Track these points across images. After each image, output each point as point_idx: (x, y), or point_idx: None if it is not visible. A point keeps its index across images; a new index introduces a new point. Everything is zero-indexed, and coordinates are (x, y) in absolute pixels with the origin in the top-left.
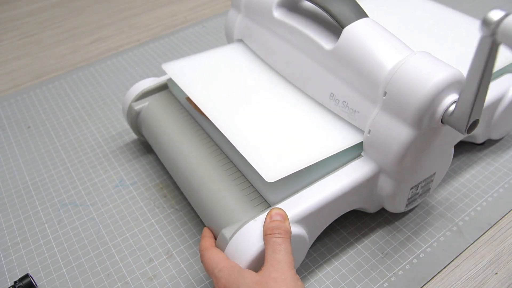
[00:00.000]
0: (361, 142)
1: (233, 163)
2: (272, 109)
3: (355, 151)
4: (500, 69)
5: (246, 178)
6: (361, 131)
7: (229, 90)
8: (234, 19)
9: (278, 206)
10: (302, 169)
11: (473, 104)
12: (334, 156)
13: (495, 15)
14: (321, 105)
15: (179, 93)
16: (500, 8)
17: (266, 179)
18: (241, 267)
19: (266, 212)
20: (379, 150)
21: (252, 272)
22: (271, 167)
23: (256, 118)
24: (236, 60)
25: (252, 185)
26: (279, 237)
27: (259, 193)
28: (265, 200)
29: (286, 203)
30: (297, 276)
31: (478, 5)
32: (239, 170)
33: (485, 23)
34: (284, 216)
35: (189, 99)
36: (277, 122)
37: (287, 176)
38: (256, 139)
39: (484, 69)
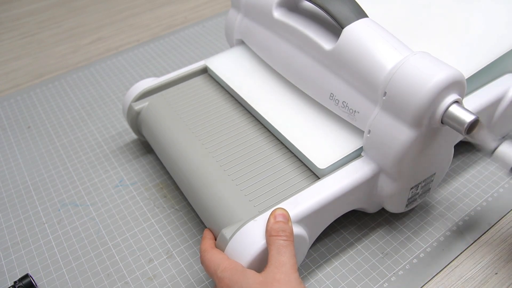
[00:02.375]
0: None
1: (237, 164)
2: (296, 104)
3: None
4: (499, 58)
5: (202, 200)
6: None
7: (263, 85)
8: (234, 19)
9: (280, 204)
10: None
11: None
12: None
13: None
14: (319, 104)
15: (223, 83)
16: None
17: (319, 166)
18: (244, 267)
19: (266, 212)
20: (379, 150)
21: (255, 272)
22: (321, 155)
23: (291, 112)
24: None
25: (299, 159)
26: (284, 240)
27: (307, 166)
28: (313, 173)
29: (286, 203)
30: (300, 279)
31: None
32: (240, 169)
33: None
34: (287, 218)
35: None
36: (308, 116)
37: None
38: (301, 130)
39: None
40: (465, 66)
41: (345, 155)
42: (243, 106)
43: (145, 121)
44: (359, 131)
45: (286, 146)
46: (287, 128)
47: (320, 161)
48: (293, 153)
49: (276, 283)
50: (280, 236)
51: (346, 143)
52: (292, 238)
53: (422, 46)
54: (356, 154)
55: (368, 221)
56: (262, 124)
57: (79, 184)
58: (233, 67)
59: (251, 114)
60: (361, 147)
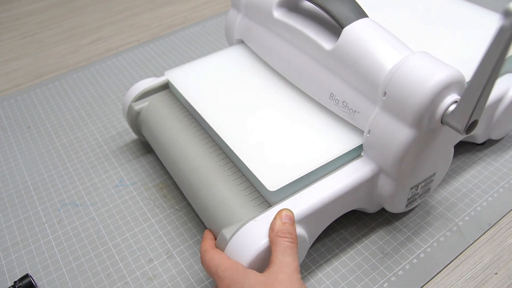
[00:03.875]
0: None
1: (236, 166)
2: (274, 112)
3: (355, 152)
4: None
5: (247, 179)
6: (361, 133)
7: (230, 95)
8: (234, 19)
9: (280, 204)
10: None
11: (477, 102)
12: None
13: None
14: (321, 106)
15: (181, 97)
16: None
17: (268, 188)
18: (244, 267)
19: (266, 212)
20: (379, 150)
21: (256, 272)
22: (272, 175)
23: (257, 124)
24: (238, 63)
25: (253, 185)
26: (290, 242)
27: (260, 193)
28: (266, 200)
29: (286, 203)
30: (302, 281)
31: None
32: (239, 170)
33: (507, 13)
34: (293, 220)
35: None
36: (278, 127)
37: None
38: (257, 146)
39: (498, 61)
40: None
41: (297, 177)
42: (244, 112)
43: (145, 121)
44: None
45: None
46: (240, 146)
47: (270, 183)
48: None
49: (278, 283)
50: (286, 237)
51: (303, 164)
52: (297, 241)
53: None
54: (309, 179)
55: (368, 221)
56: None
57: (79, 184)
58: (195, 80)
59: (251, 119)
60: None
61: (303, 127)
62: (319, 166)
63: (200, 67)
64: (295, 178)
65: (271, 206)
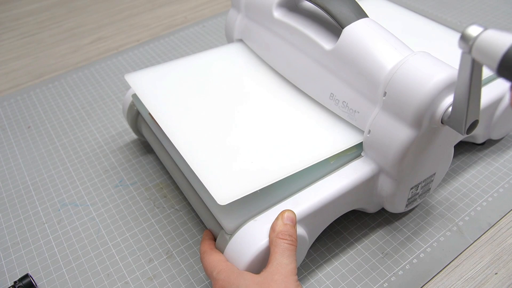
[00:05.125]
0: (360, 143)
1: (190, 184)
2: (258, 114)
3: (355, 152)
4: None
5: (202, 201)
6: (359, 132)
7: (201, 103)
8: (234, 19)
9: (281, 204)
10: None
11: (467, 108)
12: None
13: (473, 30)
14: (318, 105)
15: (143, 109)
16: (500, 9)
17: (218, 202)
18: (241, 268)
19: (266, 212)
20: (379, 150)
21: (252, 273)
22: (224, 188)
23: (226, 133)
24: (233, 62)
25: (208, 209)
26: (290, 244)
27: (216, 219)
28: (221, 227)
29: (286, 203)
30: (299, 283)
31: (478, 4)
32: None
33: (463, 39)
34: (294, 221)
35: (151, 115)
36: (256, 132)
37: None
38: (215, 157)
39: (470, 83)
40: None
41: (252, 191)
42: (218, 118)
43: (145, 121)
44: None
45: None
46: (192, 154)
47: (220, 196)
48: None
49: (274, 283)
50: (287, 239)
51: (254, 178)
52: (296, 243)
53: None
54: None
55: (368, 221)
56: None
57: (79, 184)
58: (157, 86)
59: (252, 104)
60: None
61: (288, 128)
62: (280, 178)
63: (171, 70)
64: (250, 192)
65: (227, 233)
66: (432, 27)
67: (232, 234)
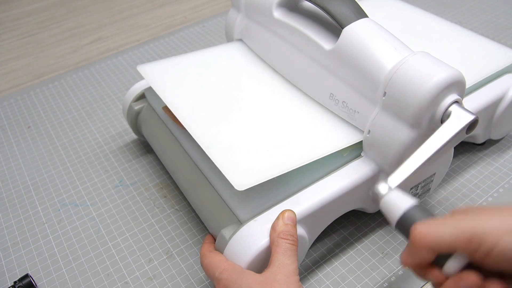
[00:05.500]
0: (360, 142)
1: (205, 177)
2: (261, 112)
3: (355, 152)
4: (500, 70)
5: (217, 193)
6: (354, 131)
7: (213, 95)
8: (234, 19)
9: (281, 204)
10: (275, 180)
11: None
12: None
13: (382, 189)
14: (319, 104)
15: (156, 103)
16: (483, 32)
17: (236, 187)
18: (242, 268)
19: (266, 212)
20: (379, 150)
21: (254, 273)
22: (242, 175)
23: (239, 124)
24: (232, 61)
25: (223, 199)
26: (291, 244)
27: (230, 209)
28: (236, 217)
29: (286, 203)
30: (300, 283)
31: (478, 4)
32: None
33: (375, 192)
34: (295, 221)
35: (166, 109)
36: (262, 127)
37: (262, 189)
38: (231, 145)
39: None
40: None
41: (270, 177)
42: (228, 110)
43: (145, 121)
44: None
45: None
46: (210, 144)
47: (238, 182)
48: None
49: (276, 283)
50: (288, 239)
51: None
52: (297, 243)
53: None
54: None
55: (368, 221)
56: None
57: (79, 184)
58: (172, 77)
59: (247, 108)
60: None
61: (294, 125)
62: (296, 167)
63: (181, 63)
64: (267, 178)
65: (241, 223)
66: (440, 24)
67: (244, 223)
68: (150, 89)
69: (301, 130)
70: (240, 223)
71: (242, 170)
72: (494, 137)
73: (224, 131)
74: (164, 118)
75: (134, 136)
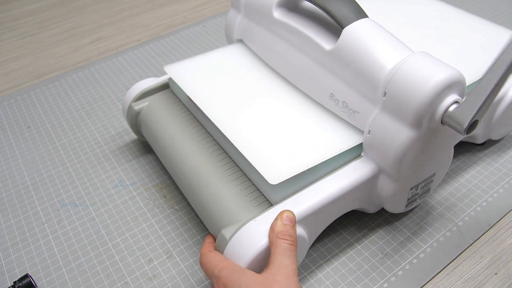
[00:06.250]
0: (361, 143)
1: (234, 162)
2: (274, 110)
3: (355, 152)
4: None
5: (248, 177)
6: (362, 131)
7: (231, 91)
8: (234, 19)
9: (281, 204)
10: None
11: (483, 103)
12: (335, 156)
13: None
14: (321, 105)
15: (181, 93)
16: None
17: (270, 182)
18: (242, 267)
19: (266, 212)
20: (379, 150)
21: (254, 273)
22: (274, 170)
23: (258, 120)
24: (237, 61)
25: (254, 184)
26: (290, 244)
27: (261, 192)
28: (267, 199)
29: (286, 203)
30: (300, 284)
31: (478, 4)
32: (240, 170)
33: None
34: (294, 221)
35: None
36: (278, 123)
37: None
38: (258, 141)
39: (508, 68)
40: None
41: (299, 171)
42: (244, 108)
43: (145, 121)
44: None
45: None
46: (242, 140)
47: (272, 177)
48: None
49: (276, 284)
50: (287, 239)
51: (307, 157)
52: (296, 243)
53: (423, 45)
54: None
55: (368, 222)
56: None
57: (79, 184)
58: (196, 75)
59: (252, 115)
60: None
61: (305, 124)
62: (320, 162)
63: (201, 62)
64: (297, 173)
65: (272, 205)
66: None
67: (232, 234)
68: (172, 80)
69: (310, 129)
70: (271, 204)
71: (273, 165)
72: (494, 137)
73: (248, 127)
74: (190, 107)
75: (134, 136)
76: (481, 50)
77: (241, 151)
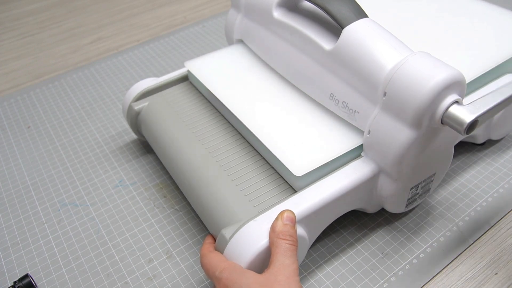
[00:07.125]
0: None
1: (260, 154)
2: (285, 106)
3: (355, 152)
4: (499, 65)
5: (271, 166)
6: (362, 132)
7: (246, 87)
8: (234, 19)
9: (281, 204)
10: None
11: (490, 109)
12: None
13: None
14: (321, 105)
15: (201, 87)
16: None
17: (295, 173)
18: (242, 267)
19: (266, 212)
20: (379, 150)
21: (255, 273)
22: (298, 162)
23: (274, 115)
24: (239, 61)
25: (277, 172)
26: (290, 244)
27: (284, 179)
28: (268, 199)
29: (286, 203)
30: (301, 284)
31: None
32: (240, 169)
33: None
34: (294, 221)
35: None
36: (293, 119)
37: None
38: (279, 135)
39: None
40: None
41: (321, 164)
42: (260, 103)
43: (145, 121)
44: (346, 136)
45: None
46: (264, 133)
47: (296, 169)
48: None
49: (277, 284)
50: (287, 240)
51: (330, 149)
52: (297, 243)
53: (429, 36)
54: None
55: (368, 221)
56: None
57: (79, 184)
58: (216, 70)
59: (268, 111)
60: (345, 153)
61: (305, 124)
62: (342, 154)
63: (219, 58)
64: (320, 165)
65: (296, 191)
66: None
67: (232, 234)
68: (191, 75)
69: (314, 126)
70: (294, 191)
71: (297, 157)
72: (494, 137)
73: (266, 122)
74: (211, 99)
75: (134, 136)
76: (493, 37)
77: (265, 144)
